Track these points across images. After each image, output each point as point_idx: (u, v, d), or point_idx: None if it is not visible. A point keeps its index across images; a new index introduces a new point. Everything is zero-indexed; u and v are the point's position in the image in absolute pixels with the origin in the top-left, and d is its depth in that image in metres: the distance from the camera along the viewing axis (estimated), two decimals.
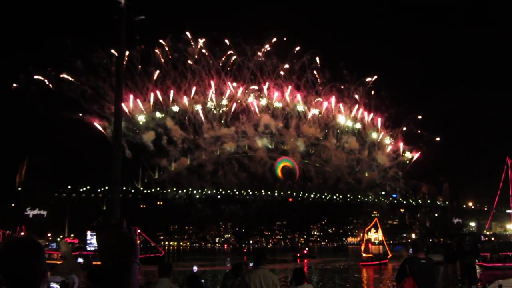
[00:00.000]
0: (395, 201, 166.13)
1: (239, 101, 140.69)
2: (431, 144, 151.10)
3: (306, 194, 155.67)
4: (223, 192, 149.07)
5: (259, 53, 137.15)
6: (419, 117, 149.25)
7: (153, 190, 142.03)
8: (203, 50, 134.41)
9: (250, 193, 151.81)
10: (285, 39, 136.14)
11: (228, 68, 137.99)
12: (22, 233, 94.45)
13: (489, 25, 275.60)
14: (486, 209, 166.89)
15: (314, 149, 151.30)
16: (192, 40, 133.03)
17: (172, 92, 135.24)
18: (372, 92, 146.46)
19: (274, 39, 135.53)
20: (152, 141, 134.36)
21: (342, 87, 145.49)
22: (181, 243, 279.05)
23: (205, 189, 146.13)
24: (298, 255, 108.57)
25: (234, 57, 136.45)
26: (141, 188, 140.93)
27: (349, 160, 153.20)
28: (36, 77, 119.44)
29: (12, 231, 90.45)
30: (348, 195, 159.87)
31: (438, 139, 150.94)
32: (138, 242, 3.65)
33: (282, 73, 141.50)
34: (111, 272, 2.24)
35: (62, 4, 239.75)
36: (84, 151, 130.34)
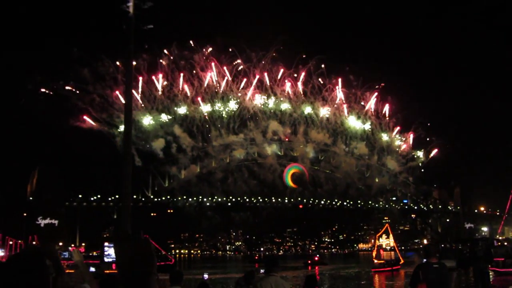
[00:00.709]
0: (406, 207, 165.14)
1: (246, 107, 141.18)
2: (441, 149, 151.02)
3: (317, 201, 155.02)
4: (233, 200, 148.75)
5: (264, 62, 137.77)
6: (428, 124, 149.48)
7: (163, 198, 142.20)
8: (209, 57, 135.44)
9: (261, 200, 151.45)
10: (289, 42, 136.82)
11: (234, 73, 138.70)
12: (34, 242, 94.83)
13: (502, 30, 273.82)
14: (498, 213, 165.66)
15: (324, 155, 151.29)
16: (197, 47, 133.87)
17: (179, 97, 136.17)
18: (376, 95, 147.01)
19: (281, 47, 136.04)
20: (162, 148, 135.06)
21: (349, 92, 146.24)
22: (192, 251, 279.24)
23: (215, 197, 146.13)
24: (309, 262, 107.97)
25: (239, 62, 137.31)
26: (151, 196, 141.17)
27: (359, 165, 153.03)
28: (43, 87, 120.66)
29: (24, 240, 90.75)
30: (359, 201, 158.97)
31: (447, 143, 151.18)
32: None
33: (287, 80, 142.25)
34: (130, 283, 2.29)
35: (69, 13, 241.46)
36: (95, 160, 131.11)
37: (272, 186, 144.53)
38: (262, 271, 17.80)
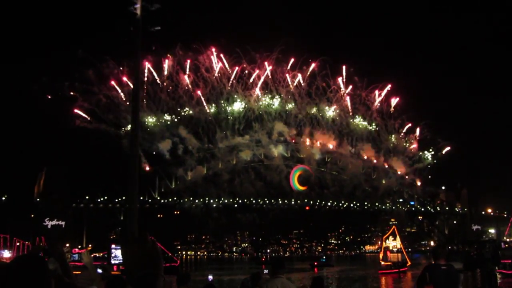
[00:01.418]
0: (413, 208, 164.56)
1: (251, 108, 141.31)
2: (447, 151, 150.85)
3: (323, 202, 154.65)
4: (240, 201, 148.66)
5: (266, 63, 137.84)
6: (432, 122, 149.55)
7: (170, 199, 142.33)
8: (214, 58, 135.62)
9: (267, 201, 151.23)
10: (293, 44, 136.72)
11: (238, 74, 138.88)
12: (41, 244, 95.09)
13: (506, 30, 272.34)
14: (505, 215, 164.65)
15: (330, 156, 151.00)
16: (202, 48, 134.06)
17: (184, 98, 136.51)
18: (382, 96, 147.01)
19: (284, 47, 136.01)
20: (168, 150, 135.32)
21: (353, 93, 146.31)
22: (198, 253, 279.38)
23: (222, 198, 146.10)
24: (316, 263, 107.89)
25: (243, 65, 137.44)
26: (158, 198, 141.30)
27: (365, 167, 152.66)
28: (49, 89, 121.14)
29: (31, 241, 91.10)
30: (366, 203, 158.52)
31: (451, 146, 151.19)
32: None
33: (291, 82, 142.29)
34: (137, 285, 2.32)
35: (76, 13, 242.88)
36: (102, 161, 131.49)
37: (278, 187, 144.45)
38: (266, 271, 17.80)
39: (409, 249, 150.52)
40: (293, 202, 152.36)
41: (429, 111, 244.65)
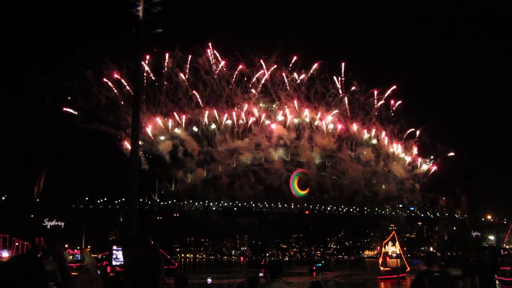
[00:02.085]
0: (413, 214, 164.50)
1: (250, 112, 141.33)
2: (447, 157, 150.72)
3: (323, 207, 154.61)
4: (239, 204, 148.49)
5: (264, 66, 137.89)
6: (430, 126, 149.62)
7: (169, 202, 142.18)
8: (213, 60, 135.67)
9: (267, 205, 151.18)
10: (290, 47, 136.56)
11: (237, 77, 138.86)
12: (41, 244, 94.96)
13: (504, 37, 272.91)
14: (505, 222, 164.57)
15: (330, 161, 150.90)
16: (201, 51, 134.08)
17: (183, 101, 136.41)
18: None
19: (282, 51, 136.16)
20: (168, 152, 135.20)
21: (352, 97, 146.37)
22: (197, 255, 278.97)
23: (221, 201, 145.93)
24: (314, 268, 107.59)
25: (242, 68, 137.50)
26: (158, 200, 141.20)
27: (365, 172, 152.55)
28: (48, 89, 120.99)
29: (31, 242, 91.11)
30: (365, 208, 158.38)
31: (453, 152, 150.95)
32: None
33: (288, 86, 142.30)
34: (138, 287, 2.33)
35: (77, 14, 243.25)
36: (101, 162, 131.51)
37: (278, 191, 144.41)
38: (261, 274, 17.73)
39: (409, 255, 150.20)
40: (292, 206, 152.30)
41: (429, 117, 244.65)
